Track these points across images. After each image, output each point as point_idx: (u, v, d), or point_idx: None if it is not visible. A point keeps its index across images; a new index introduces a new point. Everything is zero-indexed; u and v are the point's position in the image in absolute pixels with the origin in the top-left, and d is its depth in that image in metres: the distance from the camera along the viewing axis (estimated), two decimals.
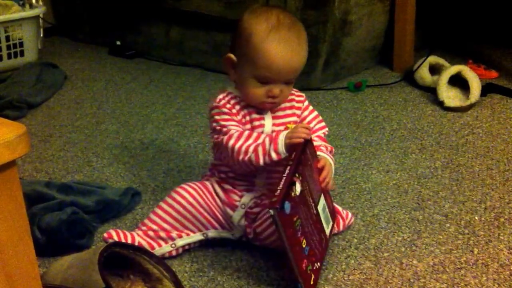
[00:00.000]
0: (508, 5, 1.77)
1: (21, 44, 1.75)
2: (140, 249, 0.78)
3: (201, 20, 1.75)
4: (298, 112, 0.90)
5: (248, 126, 0.87)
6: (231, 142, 0.83)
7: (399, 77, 1.68)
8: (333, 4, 1.54)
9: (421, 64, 1.61)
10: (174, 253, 0.88)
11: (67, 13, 2.13)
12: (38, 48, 1.84)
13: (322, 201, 0.85)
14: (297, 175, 0.77)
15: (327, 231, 0.86)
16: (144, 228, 0.89)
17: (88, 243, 0.91)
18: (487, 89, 1.55)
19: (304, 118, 0.90)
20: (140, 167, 1.19)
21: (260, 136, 0.83)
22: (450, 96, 1.48)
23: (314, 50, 1.58)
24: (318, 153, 0.87)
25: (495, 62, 1.78)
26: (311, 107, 0.92)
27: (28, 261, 0.55)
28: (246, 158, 0.82)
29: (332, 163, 0.88)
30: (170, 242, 0.87)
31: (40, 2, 1.89)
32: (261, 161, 0.82)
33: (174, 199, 0.88)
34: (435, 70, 1.61)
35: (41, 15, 1.85)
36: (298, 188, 0.77)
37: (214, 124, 0.87)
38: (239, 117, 0.86)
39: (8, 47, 1.72)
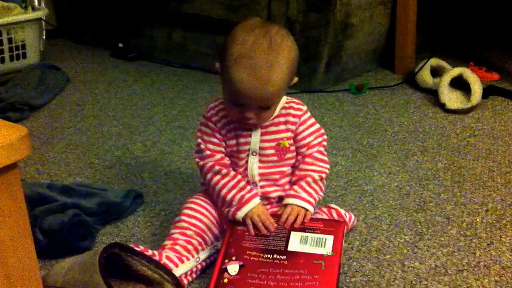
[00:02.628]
0: (509, 7, 1.77)
1: (23, 47, 1.75)
2: (138, 254, 0.77)
3: (203, 23, 1.75)
4: (292, 127, 0.85)
5: (233, 141, 0.85)
6: (206, 173, 0.85)
7: (400, 80, 1.68)
8: (334, 7, 1.54)
9: (422, 67, 1.60)
10: (199, 266, 0.84)
11: (69, 16, 2.14)
12: (41, 51, 1.84)
13: (295, 238, 0.82)
14: (226, 260, 0.80)
15: (325, 251, 0.81)
16: (170, 242, 0.84)
17: (90, 245, 0.91)
18: (488, 91, 1.55)
19: (299, 134, 0.86)
20: (142, 169, 1.18)
21: (237, 185, 0.83)
22: (451, 98, 1.48)
23: (316, 53, 1.58)
24: (285, 200, 0.84)
25: (496, 65, 1.78)
26: (310, 121, 0.87)
27: (29, 263, 0.54)
28: (211, 191, 0.85)
29: (305, 204, 0.83)
30: (195, 256, 0.84)
31: (43, 4, 1.89)
32: (219, 206, 0.85)
33: (189, 215, 0.86)
34: (436, 72, 1.61)
35: (44, 18, 1.85)
36: (233, 269, 0.79)
37: (198, 134, 0.87)
38: (223, 132, 0.85)
39: (11, 49, 1.72)
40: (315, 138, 0.87)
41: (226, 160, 0.86)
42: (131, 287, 0.78)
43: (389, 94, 1.60)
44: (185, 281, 0.82)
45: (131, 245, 0.83)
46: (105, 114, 1.49)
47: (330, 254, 0.80)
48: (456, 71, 1.50)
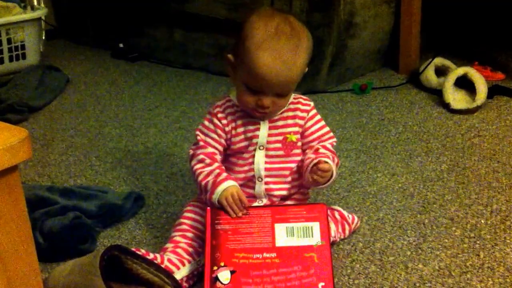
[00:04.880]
0: None
1: (23, 47, 1.74)
2: (139, 257, 0.77)
3: (205, 22, 1.75)
4: (301, 122, 0.86)
5: (241, 137, 0.85)
6: (190, 161, 0.84)
7: (404, 79, 1.67)
8: (338, 6, 1.53)
9: (427, 66, 1.59)
10: (200, 269, 0.83)
11: (69, 15, 2.13)
12: (40, 51, 1.83)
13: (280, 230, 0.79)
14: (215, 267, 0.76)
15: (315, 241, 0.79)
16: (171, 245, 0.84)
17: (90, 248, 0.90)
18: (493, 91, 1.54)
19: (307, 129, 0.86)
20: (143, 171, 1.18)
21: (213, 171, 0.82)
22: (456, 98, 1.47)
23: (319, 52, 1.57)
24: (321, 158, 0.82)
25: (501, 64, 1.76)
26: (317, 117, 0.88)
27: (30, 266, 0.54)
28: (194, 181, 0.83)
29: (334, 170, 0.83)
30: (197, 259, 0.83)
31: (42, 4, 1.88)
32: (199, 191, 0.83)
33: (189, 218, 0.86)
34: (441, 72, 1.60)
35: (43, 17, 1.84)
36: (224, 277, 0.75)
37: (199, 127, 0.87)
38: (228, 128, 0.84)
39: (10, 50, 1.71)
40: (324, 134, 0.88)
41: (217, 156, 0.85)
42: None
43: (393, 94, 1.59)
44: (186, 285, 0.81)
45: (133, 248, 0.82)
46: (106, 115, 1.48)
47: (320, 243, 0.78)
48: (460, 70, 1.49)
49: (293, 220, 0.80)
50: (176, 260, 0.81)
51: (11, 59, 1.73)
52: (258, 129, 0.85)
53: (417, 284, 0.83)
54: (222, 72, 1.70)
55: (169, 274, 0.77)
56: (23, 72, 1.66)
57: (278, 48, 0.77)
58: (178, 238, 0.84)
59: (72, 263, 0.79)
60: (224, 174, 0.82)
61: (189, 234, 0.84)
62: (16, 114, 1.43)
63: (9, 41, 1.70)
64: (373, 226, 0.97)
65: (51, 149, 1.29)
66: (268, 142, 0.85)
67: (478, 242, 0.92)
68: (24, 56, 1.75)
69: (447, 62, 1.61)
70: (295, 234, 0.79)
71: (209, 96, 1.61)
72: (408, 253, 0.90)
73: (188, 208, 0.88)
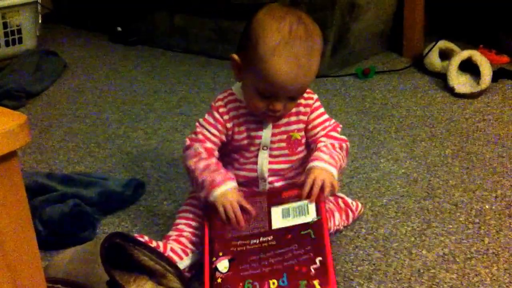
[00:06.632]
0: None
1: (19, 31, 1.71)
2: (140, 244, 0.76)
3: (206, 5, 1.72)
4: (304, 118, 0.83)
5: (243, 135, 0.82)
6: (184, 151, 0.81)
7: (408, 63, 1.65)
8: None
9: (431, 49, 1.58)
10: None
11: None
12: (37, 35, 1.81)
13: (276, 213, 0.77)
14: (214, 259, 0.74)
15: (311, 218, 0.76)
16: (175, 233, 0.82)
17: (90, 236, 0.90)
18: (498, 74, 1.52)
19: (310, 122, 0.83)
20: (143, 158, 1.17)
21: (209, 166, 0.78)
22: (460, 82, 1.45)
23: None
24: (308, 166, 0.79)
25: (506, 47, 1.74)
26: (321, 110, 0.84)
27: (30, 254, 0.54)
28: (187, 174, 0.80)
29: (329, 167, 0.78)
30: (200, 249, 0.81)
31: None
32: (194, 187, 0.80)
33: (194, 205, 0.84)
34: (445, 55, 1.58)
35: (39, 1, 1.81)
36: (223, 266, 0.73)
37: (200, 120, 0.83)
38: (230, 125, 0.81)
39: (6, 34, 1.69)
40: (329, 125, 0.84)
41: (215, 152, 0.82)
42: (133, 278, 0.77)
43: (396, 78, 1.58)
44: (188, 274, 0.80)
45: (135, 235, 0.82)
46: (105, 101, 1.47)
47: (316, 219, 0.75)
48: (465, 53, 1.47)
49: (288, 201, 0.78)
50: (179, 250, 0.80)
51: (7, 44, 1.70)
52: (261, 129, 0.81)
53: (421, 270, 0.82)
54: (222, 56, 1.68)
55: (171, 262, 0.77)
56: (20, 57, 1.64)
57: (294, 53, 0.73)
58: (182, 227, 0.83)
59: (72, 251, 0.78)
60: (222, 171, 0.79)
61: (194, 224, 0.83)
62: (13, 100, 1.42)
63: (5, 25, 1.68)
64: (376, 212, 0.96)
65: (49, 135, 1.28)
66: (272, 142, 0.82)
67: (482, 227, 0.92)
68: (20, 41, 1.73)
69: (451, 45, 1.59)
70: (291, 214, 0.77)
71: (210, 81, 1.59)
72: (412, 239, 0.89)
73: (193, 194, 0.86)
